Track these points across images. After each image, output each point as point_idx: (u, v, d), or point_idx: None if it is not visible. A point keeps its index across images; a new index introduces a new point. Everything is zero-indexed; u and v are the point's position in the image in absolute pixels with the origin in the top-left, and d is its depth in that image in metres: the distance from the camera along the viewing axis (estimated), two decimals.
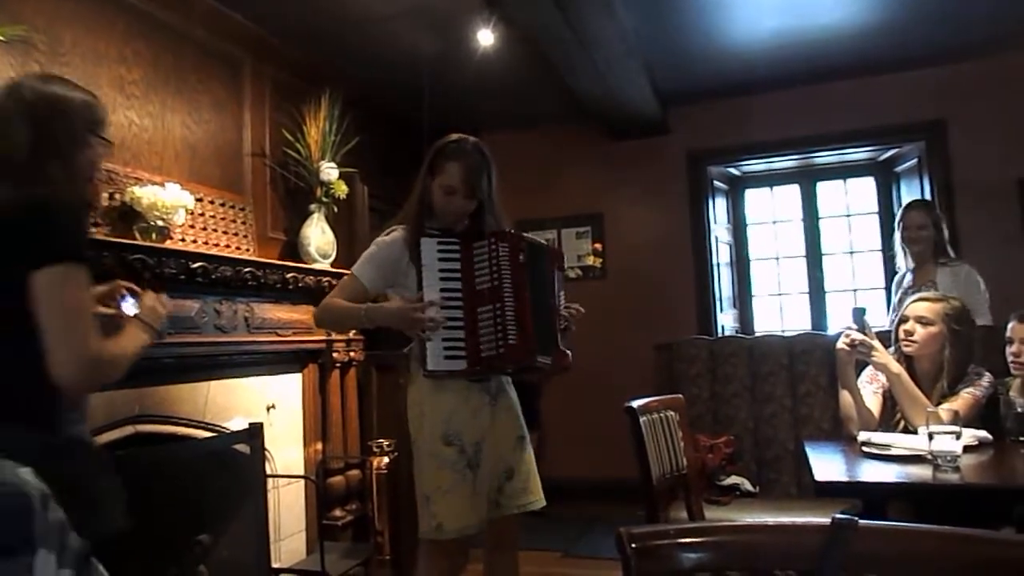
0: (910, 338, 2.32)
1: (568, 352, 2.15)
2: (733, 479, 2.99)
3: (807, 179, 5.17)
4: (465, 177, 1.99)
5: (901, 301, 3.13)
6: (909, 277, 3.32)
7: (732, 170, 5.24)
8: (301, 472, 3.35)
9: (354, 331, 3.58)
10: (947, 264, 3.22)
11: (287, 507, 3.27)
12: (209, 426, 2.88)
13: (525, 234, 2.10)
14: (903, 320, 2.37)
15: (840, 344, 2.32)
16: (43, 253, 1.34)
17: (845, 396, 2.39)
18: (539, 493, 2.11)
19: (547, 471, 2.22)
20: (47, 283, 1.33)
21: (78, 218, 1.45)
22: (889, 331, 2.54)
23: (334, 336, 3.49)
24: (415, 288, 1.97)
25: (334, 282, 3.40)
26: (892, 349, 2.38)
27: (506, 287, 1.95)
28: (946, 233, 3.30)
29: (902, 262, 3.39)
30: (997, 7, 3.68)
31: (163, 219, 2.68)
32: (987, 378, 2.29)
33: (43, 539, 0.58)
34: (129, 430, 2.53)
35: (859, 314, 2.33)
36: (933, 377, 2.31)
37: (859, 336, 2.28)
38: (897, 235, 3.37)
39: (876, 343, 2.28)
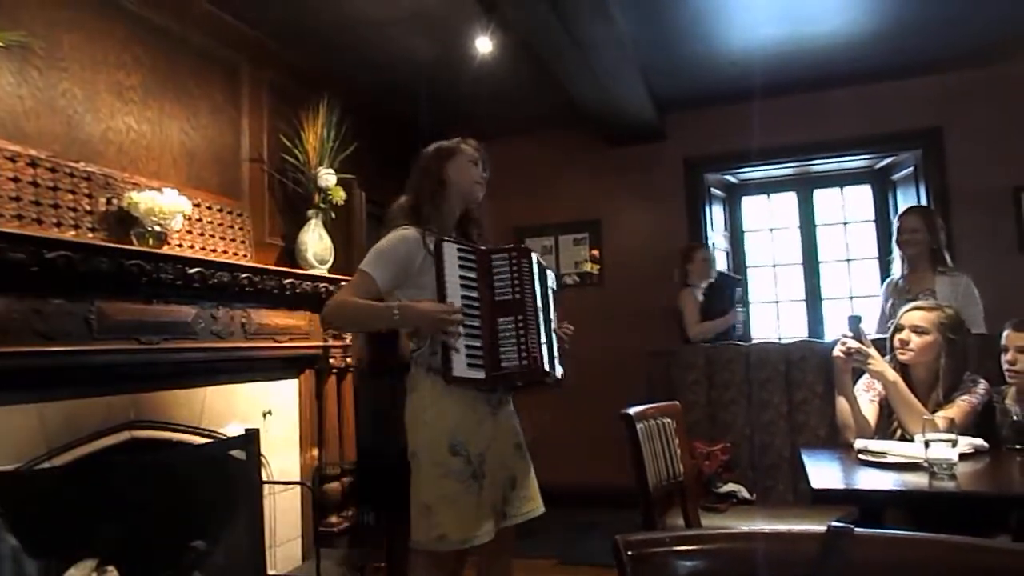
0: (906, 347, 2.32)
1: (562, 371, 2.17)
2: (730, 486, 2.98)
3: (804, 187, 5.19)
4: (483, 152, 2.17)
5: (894, 306, 3.13)
6: (902, 283, 3.32)
7: (729, 177, 5.25)
8: (297, 478, 3.33)
9: (350, 336, 3.58)
10: (946, 273, 3.22)
11: (283, 513, 3.26)
12: (205, 432, 2.87)
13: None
14: (898, 329, 2.38)
15: (836, 352, 2.33)
16: None
17: (842, 403, 2.40)
18: (539, 500, 2.13)
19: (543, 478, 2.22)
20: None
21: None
22: (884, 338, 2.54)
23: (331, 342, 3.49)
24: (429, 288, 1.96)
25: (331, 288, 3.40)
26: (888, 357, 2.39)
27: (528, 301, 1.98)
28: (943, 239, 3.30)
29: (897, 268, 3.39)
30: (993, 16, 3.71)
31: (160, 224, 2.68)
32: (983, 386, 2.30)
33: None
34: (125, 435, 2.52)
35: (855, 322, 2.34)
36: (929, 385, 2.31)
37: (855, 344, 2.29)
38: (895, 240, 3.38)
39: (872, 351, 2.29)
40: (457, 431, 1.95)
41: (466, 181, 2.12)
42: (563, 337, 2.19)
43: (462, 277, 1.98)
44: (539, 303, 2.03)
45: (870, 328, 3.18)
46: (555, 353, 2.12)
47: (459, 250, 2.00)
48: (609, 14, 3.32)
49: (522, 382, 2.04)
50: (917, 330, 2.31)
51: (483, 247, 2.09)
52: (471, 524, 1.92)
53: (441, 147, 2.16)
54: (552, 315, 2.16)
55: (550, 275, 2.23)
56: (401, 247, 2.01)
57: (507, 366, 1.95)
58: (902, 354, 2.34)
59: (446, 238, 2.01)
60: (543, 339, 2.00)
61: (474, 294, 1.99)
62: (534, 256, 2.09)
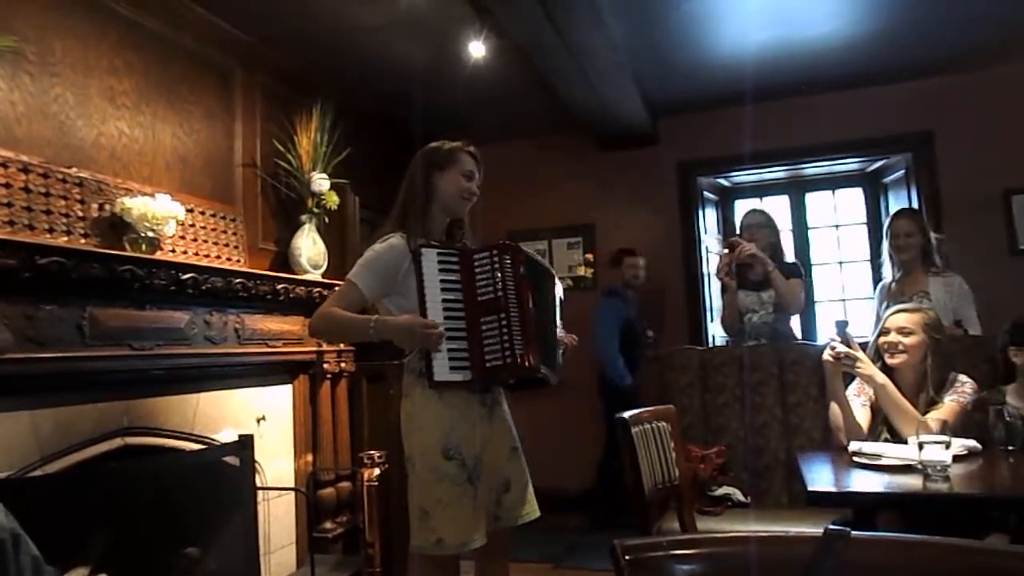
0: (896, 349, 2.33)
1: (560, 372, 2.15)
2: (725, 489, 2.99)
3: (796, 190, 5.21)
4: (478, 164, 2.14)
5: (888, 310, 3.12)
6: (895, 286, 3.32)
7: (722, 181, 5.27)
8: (291, 484, 3.32)
9: (344, 342, 3.57)
10: (938, 274, 3.23)
11: (277, 519, 3.24)
12: (198, 438, 2.86)
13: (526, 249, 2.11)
14: (883, 332, 2.38)
15: (825, 356, 2.34)
16: None
17: (834, 407, 2.40)
18: (534, 504, 2.11)
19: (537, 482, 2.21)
20: None
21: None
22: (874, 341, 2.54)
23: (325, 347, 3.48)
24: (413, 296, 1.95)
25: (325, 293, 3.39)
26: (879, 363, 2.39)
27: (510, 298, 1.94)
28: (933, 241, 3.31)
29: (888, 271, 3.39)
30: (984, 21, 3.73)
31: (153, 230, 2.67)
32: (970, 385, 2.31)
33: None
34: (118, 442, 2.51)
35: (842, 326, 2.36)
36: (917, 386, 2.32)
37: (843, 348, 2.30)
38: (885, 244, 3.37)
39: (860, 354, 2.30)
40: (451, 435, 1.94)
41: (453, 195, 2.09)
42: (563, 342, 2.18)
43: (443, 281, 1.96)
44: (528, 298, 1.98)
45: (866, 332, 3.18)
46: (555, 351, 2.10)
47: (439, 254, 1.98)
48: (602, 19, 3.33)
49: (512, 379, 2.02)
50: (903, 332, 2.33)
51: (468, 248, 2.06)
52: (467, 528, 1.91)
53: (436, 153, 2.12)
54: (553, 315, 2.13)
55: (552, 276, 2.20)
56: (386, 256, 2.00)
57: (492, 365, 1.93)
58: (892, 357, 2.34)
59: (425, 243, 1.99)
60: (531, 333, 1.95)
61: (458, 296, 1.98)
62: (525, 251, 2.05)
